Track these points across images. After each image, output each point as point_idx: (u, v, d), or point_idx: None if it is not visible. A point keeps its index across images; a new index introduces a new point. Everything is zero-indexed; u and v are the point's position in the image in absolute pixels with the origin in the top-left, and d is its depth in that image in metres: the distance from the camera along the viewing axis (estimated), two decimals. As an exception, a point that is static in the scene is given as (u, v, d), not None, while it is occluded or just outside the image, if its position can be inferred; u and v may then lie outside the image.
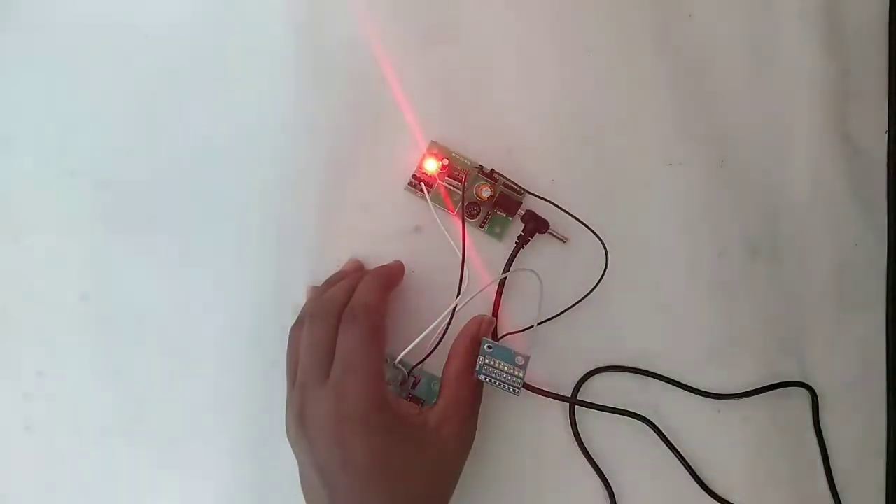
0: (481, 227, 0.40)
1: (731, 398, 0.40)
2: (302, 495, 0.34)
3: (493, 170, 0.40)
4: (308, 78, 0.41)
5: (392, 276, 0.38)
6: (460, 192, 0.40)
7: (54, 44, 0.41)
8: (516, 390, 0.36)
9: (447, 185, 0.40)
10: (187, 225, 0.40)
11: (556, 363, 0.40)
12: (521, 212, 0.40)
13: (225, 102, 0.41)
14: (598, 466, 0.39)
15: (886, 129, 0.44)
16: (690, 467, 0.39)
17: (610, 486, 0.39)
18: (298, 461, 0.34)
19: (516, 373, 0.35)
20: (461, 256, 0.37)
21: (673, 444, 0.39)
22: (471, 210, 0.40)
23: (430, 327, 0.38)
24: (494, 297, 0.39)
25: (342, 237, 0.40)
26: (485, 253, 0.40)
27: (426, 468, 0.32)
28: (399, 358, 0.37)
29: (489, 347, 0.35)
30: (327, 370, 0.33)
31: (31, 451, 0.38)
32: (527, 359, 0.35)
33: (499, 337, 0.39)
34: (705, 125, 0.42)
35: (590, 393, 0.40)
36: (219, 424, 0.39)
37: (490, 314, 0.39)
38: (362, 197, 0.40)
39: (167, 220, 0.40)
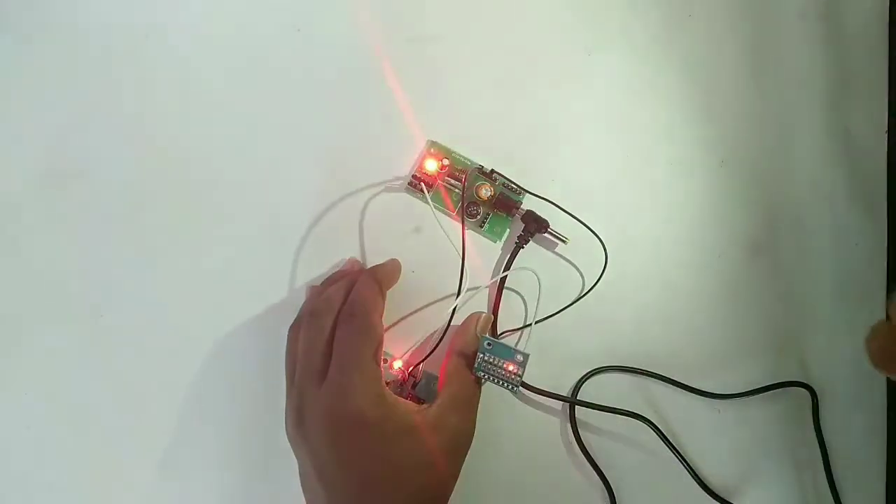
0: (481, 227, 0.40)
1: (731, 398, 0.40)
2: (302, 495, 0.34)
3: (493, 170, 0.40)
4: (307, 78, 0.41)
5: (388, 274, 0.38)
6: (460, 192, 0.40)
7: (54, 44, 0.41)
8: (515, 388, 0.36)
9: (447, 185, 0.40)
10: (187, 225, 0.40)
11: (555, 363, 0.40)
12: (521, 212, 0.40)
13: (225, 103, 0.41)
14: (598, 466, 0.39)
15: (886, 129, 0.44)
16: (690, 467, 0.39)
17: (610, 486, 0.39)
18: (298, 460, 0.34)
19: (515, 370, 0.35)
20: (461, 256, 0.37)
21: (673, 444, 0.39)
22: (471, 210, 0.40)
23: (431, 327, 0.38)
24: (494, 297, 0.39)
25: (342, 237, 0.40)
26: (485, 253, 0.40)
27: (425, 466, 0.32)
28: (399, 358, 0.37)
29: (489, 345, 0.35)
30: (325, 369, 0.33)
31: (31, 451, 0.38)
32: (526, 356, 0.35)
33: (498, 335, 0.39)
34: (705, 125, 0.42)
35: (590, 393, 0.40)
36: (218, 424, 0.39)
37: (489, 313, 0.39)
38: (362, 197, 0.40)
39: (166, 220, 0.40)
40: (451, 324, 0.38)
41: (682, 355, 0.41)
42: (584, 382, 0.40)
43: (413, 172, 0.40)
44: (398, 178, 0.40)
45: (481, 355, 0.35)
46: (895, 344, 0.30)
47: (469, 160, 0.40)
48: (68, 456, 0.38)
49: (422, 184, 0.39)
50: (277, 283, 0.39)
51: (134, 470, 0.38)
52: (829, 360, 0.41)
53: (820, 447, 0.40)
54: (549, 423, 0.40)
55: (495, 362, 0.35)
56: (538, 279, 0.39)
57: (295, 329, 0.36)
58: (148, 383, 0.39)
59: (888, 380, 0.42)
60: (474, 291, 0.40)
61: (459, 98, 0.41)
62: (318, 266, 0.40)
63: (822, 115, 0.43)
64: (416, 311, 0.40)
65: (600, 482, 0.39)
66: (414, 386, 0.38)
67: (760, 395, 0.40)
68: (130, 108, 0.40)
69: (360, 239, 0.40)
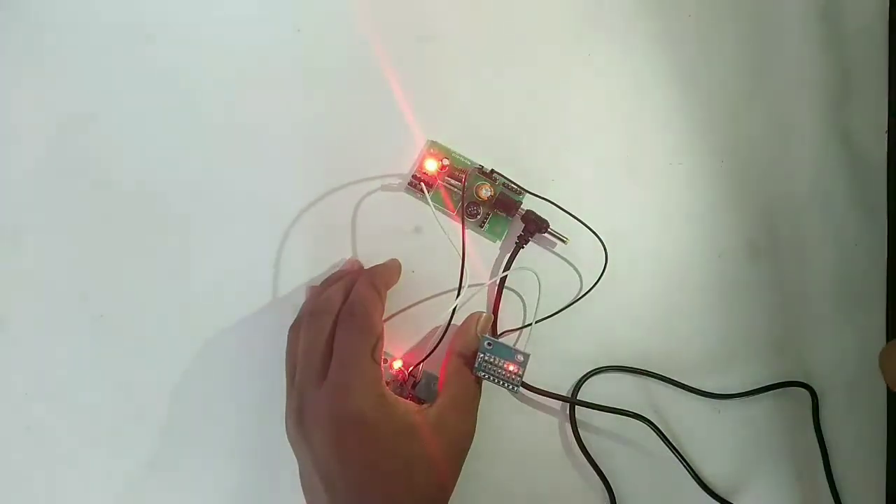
0: (481, 227, 0.40)
1: (731, 398, 0.40)
2: (302, 495, 0.34)
3: (493, 170, 0.40)
4: (308, 78, 0.41)
5: (388, 274, 0.38)
6: (460, 192, 0.40)
7: (55, 44, 0.41)
8: (515, 388, 0.36)
9: (447, 185, 0.40)
10: (186, 225, 0.40)
11: (555, 363, 0.40)
12: (521, 212, 0.40)
13: (225, 103, 0.41)
14: (598, 466, 0.39)
15: (886, 129, 0.44)
16: (690, 467, 0.39)
17: (610, 486, 0.39)
18: (298, 461, 0.34)
19: (515, 370, 0.35)
20: (461, 256, 0.37)
21: (673, 444, 0.39)
22: (471, 210, 0.40)
23: (431, 327, 0.38)
24: (494, 297, 0.39)
25: (342, 237, 0.40)
26: (485, 253, 0.40)
27: (425, 466, 0.32)
28: (399, 358, 0.37)
29: (489, 344, 0.35)
30: (325, 369, 0.33)
31: (31, 451, 0.38)
32: (526, 356, 0.35)
33: (498, 335, 0.39)
34: (705, 125, 0.42)
35: (590, 393, 0.40)
36: (219, 424, 0.39)
37: (489, 313, 0.39)
38: (362, 197, 0.40)
39: (166, 220, 0.40)
40: (452, 324, 0.38)
41: (682, 355, 0.41)
42: (584, 382, 0.40)
43: (413, 172, 0.40)
44: (398, 178, 0.40)
45: (482, 355, 0.35)
46: None
47: (469, 160, 0.40)
48: (68, 456, 0.38)
49: (422, 184, 0.39)
50: (277, 283, 0.39)
51: (133, 470, 0.38)
52: (829, 360, 0.41)
53: (820, 447, 0.40)
54: (549, 423, 0.40)
55: (496, 362, 0.35)
56: (538, 279, 0.39)
57: (295, 329, 0.36)
58: (147, 383, 0.39)
59: (888, 380, 0.42)
60: (474, 291, 0.40)
61: (459, 98, 0.41)
62: (318, 266, 0.40)
63: (822, 115, 0.43)
64: (416, 311, 0.39)
65: (600, 482, 0.39)
66: (414, 386, 0.38)
67: (760, 395, 0.40)
68: (130, 106, 0.40)
69: (360, 239, 0.40)
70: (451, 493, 0.34)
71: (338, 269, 0.40)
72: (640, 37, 0.42)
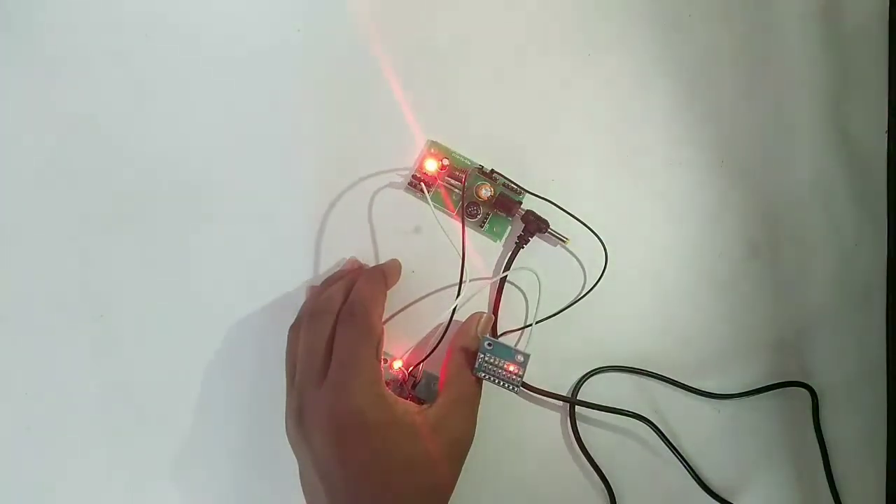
0: (481, 227, 0.40)
1: (731, 398, 0.40)
2: (302, 495, 0.34)
3: (493, 170, 0.40)
4: (307, 78, 0.41)
5: (389, 274, 0.38)
6: (460, 192, 0.40)
7: (54, 44, 0.41)
8: (516, 388, 0.36)
9: (447, 185, 0.40)
10: (186, 225, 0.40)
11: (555, 363, 0.40)
12: (521, 212, 0.40)
13: (225, 103, 0.41)
14: (598, 466, 0.39)
15: (886, 129, 0.44)
16: (690, 467, 0.39)
17: (610, 486, 0.39)
18: (298, 461, 0.34)
19: (516, 370, 0.35)
20: (461, 256, 0.37)
21: (673, 444, 0.39)
22: (471, 210, 0.40)
23: (431, 327, 0.38)
24: (494, 297, 0.39)
25: (342, 237, 0.40)
26: (485, 253, 0.40)
27: (425, 466, 0.32)
28: (399, 358, 0.37)
29: (489, 345, 0.35)
30: (325, 369, 0.33)
31: (31, 451, 0.38)
32: (526, 357, 0.35)
33: (498, 335, 0.39)
34: (705, 125, 0.42)
35: (590, 393, 0.40)
36: (219, 424, 0.39)
37: (490, 314, 0.39)
38: (361, 197, 0.40)
39: (166, 220, 0.40)
40: (452, 324, 0.38)
41: (682, 355, 0.41)
42: (584, 382, 0.40)
43: (413, 172, 0.40)
44: (398, 179, 0.40)
45: (482, 356, 0.35)
46: None
47: (469, 160, 0.40)
48: (68, 456, 0.38)
49: (422, 184, 0.39)
50: (277, 283, 0.39)
51: (134, 470, 0.38)
52: (829, 360, 0.41)
53: (820, 447, 0.40)
54: (549, 423, 0.40)
55: (496, 363, 0.35)
56: (538, 279, 0.39)
57: (295, 329, 0.36)
58: (148, 384, 0.39)
59: (888, 380, 0.42)
60: (474, 291, 0.40)
61: (459, 98, 0.41)
62: (318, 266, 0.40)
63: (822, 115, 0.43)
64: (416, 312, 0.39)
65: (600, 482, 0.39)
66: (414, 386, 0.38)
67: (760, 395, 0.40)
68: (130, 106, 0.40)
69: (360, 239, 0.40)
70: (451, 494, 0.34)
71: (338, 269, 0.40)
72: (640, 37, 0.42)
